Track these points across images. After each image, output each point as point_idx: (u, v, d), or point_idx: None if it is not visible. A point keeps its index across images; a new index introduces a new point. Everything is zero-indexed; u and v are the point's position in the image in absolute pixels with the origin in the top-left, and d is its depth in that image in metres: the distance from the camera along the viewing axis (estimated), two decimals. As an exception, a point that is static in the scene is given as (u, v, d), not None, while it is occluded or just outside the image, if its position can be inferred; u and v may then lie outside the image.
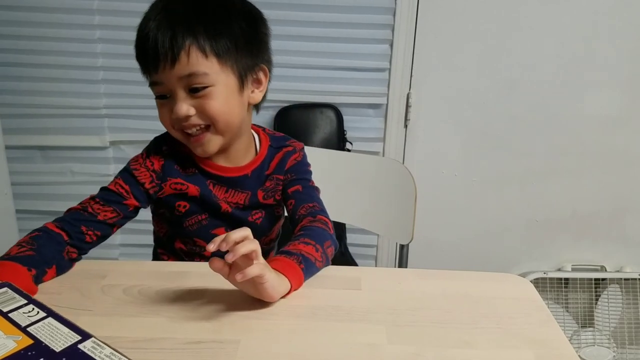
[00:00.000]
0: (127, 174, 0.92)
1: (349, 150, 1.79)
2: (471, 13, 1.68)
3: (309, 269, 0.81)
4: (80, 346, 0.54)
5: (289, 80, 1.71)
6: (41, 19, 1.66)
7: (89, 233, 0.86)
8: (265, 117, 1.75)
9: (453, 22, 1.70)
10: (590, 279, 1.91)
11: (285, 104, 1.74)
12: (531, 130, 1.80)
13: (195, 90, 0.84)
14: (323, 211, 0.96)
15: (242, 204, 0.97)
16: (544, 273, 1.90)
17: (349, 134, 1.80)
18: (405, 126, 1.78)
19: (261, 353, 0.66)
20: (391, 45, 1.71)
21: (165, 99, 0.86)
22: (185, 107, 0.84)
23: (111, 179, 1.90)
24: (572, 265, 1.94)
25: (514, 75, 1.74)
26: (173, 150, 0.95)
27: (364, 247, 1.93)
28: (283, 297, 0.76)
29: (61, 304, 0.75)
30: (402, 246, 1.26)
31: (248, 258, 0.68)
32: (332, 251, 0.88)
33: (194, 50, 0.82)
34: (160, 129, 1.74)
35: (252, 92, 0.93)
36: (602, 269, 1.94)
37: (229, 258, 0.66)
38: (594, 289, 1.92)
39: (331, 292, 0.83)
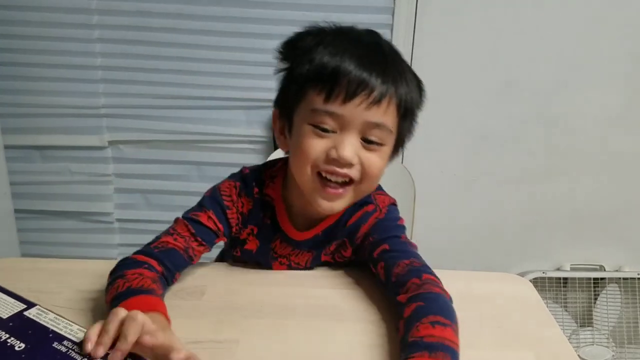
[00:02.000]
0: (219, 209, 0.85)
1: (348, 150, 1.78)
2: (470, 12, 1.68)
3: None
4: (25, 313, 0.58)
5: (288, 80, 1.71)
6: (40, 18, 1.65)
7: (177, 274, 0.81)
8: (263, 117, 1.75)
9: (452, 21, 1.69)
10: (589, 279, 1.91)
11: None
12: (530, 130, 1.80)
13: (369, 142, 0.74)
14: (426, 267, 0.78)
15: (302, 266, 0.90)
16: (543, 273, 1.90)
17: (348, 134, 1.80)
18: (404, 126, 1.77)
19: (260, 353, 0.66)
20: (390, 45, 1.71)
21: (324, 132, 0.74)
22: (352, 151, 0.73)
23: (110, 178, 1.91)
24: (571, 264, 1.94)
25: (513, 75, 1.74)
26: (261, 193, 0.87)
27: (363, 247, 1.93)
28: None
29: (61, 304, 0.75)
30: (401, 246, 1.26)
31: None
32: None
33: (393, 103, 0.75)
34: (157, 128, 1.75)
35: None
36: (601, 268, 1.94)
37: None
38: (592, 289, 1.92)
39: (331, 292, 0.83)
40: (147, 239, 0.87)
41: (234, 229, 0.86)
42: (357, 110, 0.72)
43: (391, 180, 1.24)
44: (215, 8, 1.64)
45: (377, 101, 0.72)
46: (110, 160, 1.81)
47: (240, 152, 1.79)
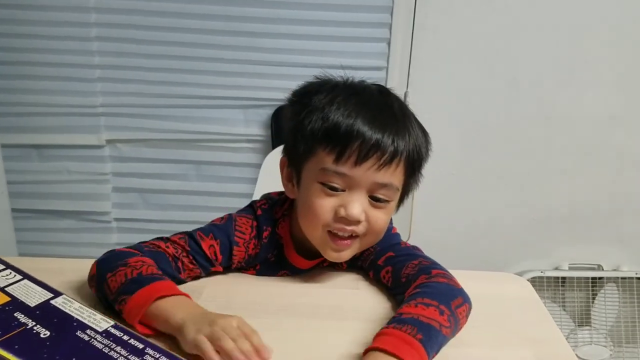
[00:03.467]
0: (226, 242, 0.83)
1: (346, 149, 1.78)
2: (469, 11, 1.68)
3: (431, 339, 0.65)
4: (52, 302, 0.62)
5: (285, 79, 1.70)
6: (37, 17, 1.65)
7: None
8: (262, 116, 1.75)
9: (451, 20, 1.69)
10: (587, 278, 1.92)
11: (281, 103, 1.73)
12: (529, 129, 1.80)
13: (377, 200, 0.77)
14: (434, 264, 0.81)
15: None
16: (541, 272, 1.90)
17: (346, 133, 1.79)
18: (403, 125, 1.77)
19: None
20: (388, 44, 1.70)
21: (333, 190, 0.76)
22: (360, 210, 0.75)
23: (108, 177, 1.90)
24: (569, 264, 1.94)
25: (511, 74, 1.74)
26: (272, 232, 0.87)
27: (361, 246, 1.93)
28: None
29: (57, 303, 0.74)
30: (399, 245, 1.26)
31: None
32: (465, 310, 0.73)
33: (403, 162, 0.77)
34: (155, 127, 1.74)
35: None
36: (599, 267, 1.94)
37: None
38: (590, 288, 1.92)
39: (329, 292, 0.83)
40: (145, 238, 0.86)
41: (235, 265, 0.86)
42: (367, 173, 0.74)
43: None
44: (214, 7, 1.64)
45: (388, 163, 0.74)
46: (107, 159, 1.80)
47: (238, 151, 1.79)
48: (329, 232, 0.78)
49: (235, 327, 0.63)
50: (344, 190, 0.76)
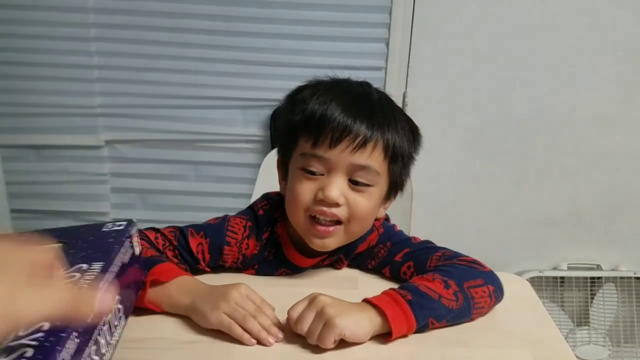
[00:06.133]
0: (217, 242, 0.84)
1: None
2: (468, 11, 1.68)
3: (422, 304, 0.69)
4: None
5: (284, 79, 1.70)
6: (36, 17, 1.65)
7: None
8: (260, 117, 1.75)
9: (450, 20, 1.69)
10: (586, 278, 1.92)
11: (280, 103, 1.73)
12: (528, 129, 1.80)
13: (356, 183, 0.77)
14: (459, 253, 0.84)
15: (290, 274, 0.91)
16: (540, 272, 1.90)
17: (345, 133, 1.79)
18: (402, 125, 1.77)
19: (257, 353, 0.66)
20: (387, 44, 1.71)
21: (312, 174, 0.78)
22: (338, 192, 0.76)
23: (106, 178, 1.90)
24: (568, 264, 1.94)
25: (510, 74, 1.74)
26: (272, 231, 0.88)
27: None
28: (390, 339, 0.69)
29: (56, 303, 0.74)
30: (398, 245, 1.26)
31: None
32: (487, 291, 0.75)
33: (380, 146, 0.77)
34: (153, 127, 1.74)
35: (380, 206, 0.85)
36: (598, 267, 1.94)
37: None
38: (589, 288, 1.92)
39: (328, 291, 0.82)
40: (144, 238, 0.86)
41: (229, 264, 0.86)
42: (342, 154, 0.75)
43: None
44: (212, 7, 1.64)
45: (362, 145, 0.75)
46: (106, 160, 1.81)
47: (237, 152, 1.79)
48: (311, 217, 0.79)
49: (245, 296, 0.70)
50: (323, 175, 0.77)
